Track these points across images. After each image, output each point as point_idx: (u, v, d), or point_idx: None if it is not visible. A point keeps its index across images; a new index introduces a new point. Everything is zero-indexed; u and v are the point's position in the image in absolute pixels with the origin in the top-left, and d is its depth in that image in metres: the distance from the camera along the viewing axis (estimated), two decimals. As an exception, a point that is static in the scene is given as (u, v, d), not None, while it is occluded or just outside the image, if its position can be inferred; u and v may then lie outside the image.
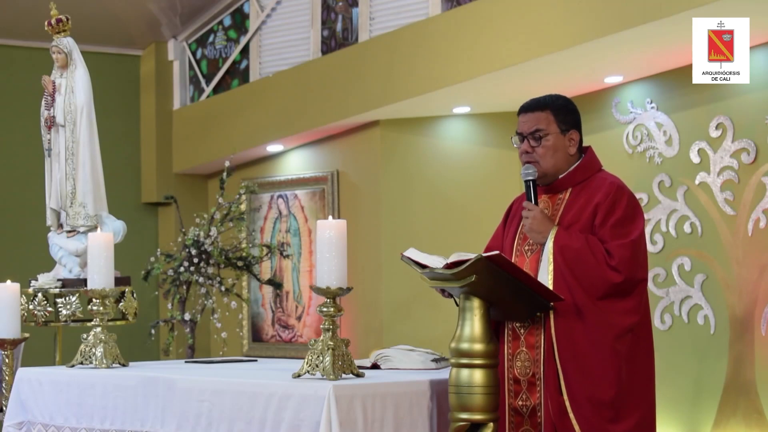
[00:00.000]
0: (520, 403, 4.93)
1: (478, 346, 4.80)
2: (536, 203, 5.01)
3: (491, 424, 4.80)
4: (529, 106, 5.09)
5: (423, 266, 4.86)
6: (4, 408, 6.10)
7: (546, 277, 4.86)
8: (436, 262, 4.85)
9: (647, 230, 8.34)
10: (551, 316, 4.82)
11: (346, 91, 9.62)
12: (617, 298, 4.80)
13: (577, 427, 4.75)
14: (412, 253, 4.92)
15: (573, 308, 4.79)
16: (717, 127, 8.03)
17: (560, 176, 5.05)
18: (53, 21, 7.14)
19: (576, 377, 4.76)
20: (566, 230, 4.90)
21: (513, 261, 5.03)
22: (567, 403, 4.76)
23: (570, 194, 5.03)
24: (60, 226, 7.15)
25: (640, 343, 4.86)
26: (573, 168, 5.05)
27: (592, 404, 4.75)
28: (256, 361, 6.30)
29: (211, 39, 11.35)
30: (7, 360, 6.29)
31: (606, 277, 4.79)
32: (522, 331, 4.95)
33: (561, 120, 5.03)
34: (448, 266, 4.77)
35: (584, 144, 5.15)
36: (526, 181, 5.04)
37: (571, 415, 4.75)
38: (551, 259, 4.86)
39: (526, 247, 5.04)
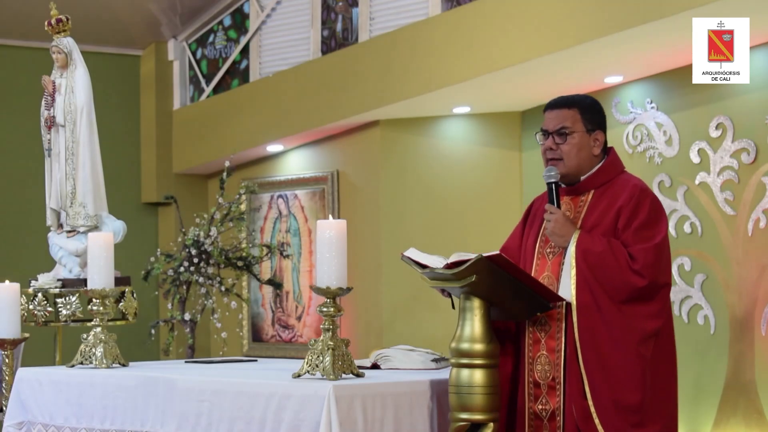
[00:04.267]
0: (540, 407, 4.90)
1: (479, 346, 4.80)
2: (558, 206, 4.95)
3: (491, 424, 4.80)
4: (557, 103, 5.04)
5: (423, 266, 4.86)
6: (4, 408, 6.10)
7: (568, 280, 4.82)
8: (437, 262, 4.84)
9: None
10: (574, 320, 4.78)
11: (346, 91, 9.62)
12: (641, 302, 4.77)
13: None
14: (413, 253, 4.92)
15: (596, 312, 4.76)
16: (717, 127, 8.03)
17: (582, 177, 4.99)
18: (53, 21, 7.13)
19: (600, 381, 4.73)
20: (589, 234, 4.86)
21: (534, 263, 5.01)
22: (591, 408, 4.73)
23: (592, 196, 4.97)
24: (60, 226, 7.15)
25: (663, 347, 4.83)
26: (596, 169, 5.00)
27: (618, 409, 4.71)
28: (256, 361, 6.30)
29: (211, 39, 11.35)
30: (7, 360, 6.29)
31: (629, 281, 4.75)
32: (542, 334, 4.90)
33: (587, 119, 5.00)
34: (449, 266, 4.77)
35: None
36: (549, 183, 4.97)
37: (596, 420, 4.72)
38: (573, 263, 4.81)
39: (548, 250, 4.98)
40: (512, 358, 5.02)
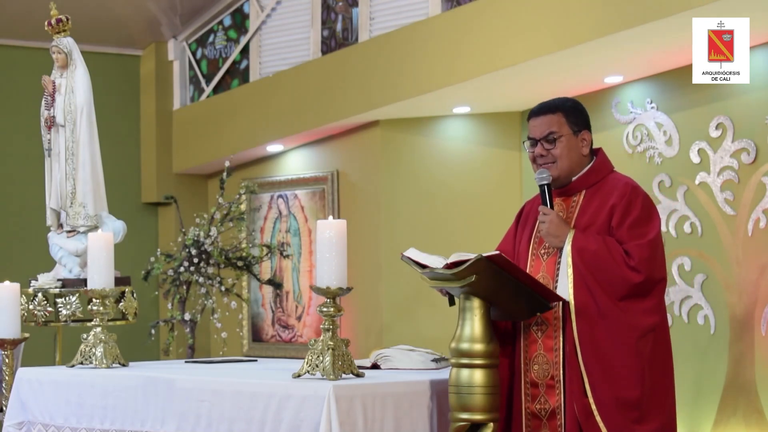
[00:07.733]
0: (538, 406, 4.92)
1: (479, 346, 4.80)
2: (551, 207, 5.00)
3: (491, 424, 4.80)
4: (540, 110, 5.09)
5: (423, 266, 4.86)
6: (4, 408, 6.10)
7: (565, 280, 4.85)
8: (436, 262, 4.85)
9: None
10: (572, 319, 4.82)
11: (346, 91, 9.62)
12: (638, 299, 4.82)
13: (603, 429, 4.75)
14: (412, 253, 4.92)
15: (595, 310, 4.80)
16: (717, 127, 8.03)
17: (573, 179, 5.05)
18: (53, 21, 7.13)
19: (601, 378, 4.77)
20: (583, 233, 4.91)
21: (529, 265, 5.03)
22: (592, 405, 4.76)
23: (584, 197, 5.03)
24: (60, 226, 7.15)
25: (660, 343, 4.88)
26: (586, 170, 5.06)
27: (618, 405, 4.75)
28: (256, 361, 6.30)
29: (211, 39, 11.35)
30: (7, 360, 6.29)
31: (626, 277, 4.80)
32: (539, 334, 4.93)
33: (572, 121, 5.05)
34: (448, 266, 4.77)
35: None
36: (541, 186, 5.02)
37: (597, 417, 4.75)
38: (570, 263, 4.85)
39: (542, 251, 5.02)
40: (509, 359, 5.03)
